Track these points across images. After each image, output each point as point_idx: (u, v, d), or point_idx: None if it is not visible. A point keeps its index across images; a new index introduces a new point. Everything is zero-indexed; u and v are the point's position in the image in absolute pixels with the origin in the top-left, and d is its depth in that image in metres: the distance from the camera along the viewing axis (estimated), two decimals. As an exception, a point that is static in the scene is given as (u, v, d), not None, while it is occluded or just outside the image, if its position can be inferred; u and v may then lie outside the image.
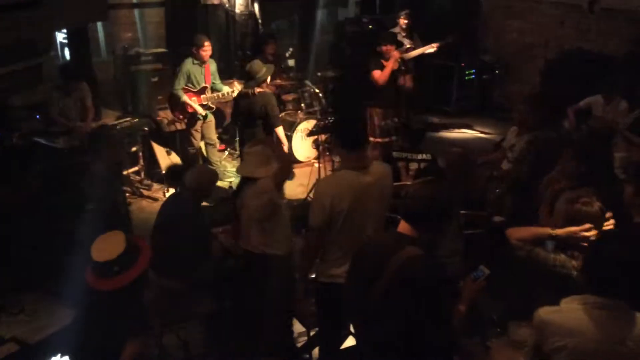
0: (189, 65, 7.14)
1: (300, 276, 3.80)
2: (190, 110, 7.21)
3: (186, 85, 7.16)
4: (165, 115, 7.89)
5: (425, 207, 2.63)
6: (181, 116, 7.29)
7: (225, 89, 7.41)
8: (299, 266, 3.81)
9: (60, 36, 8.22)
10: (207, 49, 7.12)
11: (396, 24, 8.75)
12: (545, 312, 2.62)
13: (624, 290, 2.50)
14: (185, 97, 7.12)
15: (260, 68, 6.27)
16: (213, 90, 7.37)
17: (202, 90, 7.26)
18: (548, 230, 3.29)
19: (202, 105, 7.24)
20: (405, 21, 8.59)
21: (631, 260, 2.47)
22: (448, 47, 8.48)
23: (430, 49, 8.08)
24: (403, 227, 2.70)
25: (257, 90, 6.30)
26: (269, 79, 6.72)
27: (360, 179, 3.43)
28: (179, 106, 7.22)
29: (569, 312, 2.56)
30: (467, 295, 2.75)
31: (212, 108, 7.37)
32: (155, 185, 7.36)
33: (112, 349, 2.96)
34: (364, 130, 3.67)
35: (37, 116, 6.63)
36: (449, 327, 2.56)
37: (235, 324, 4.40)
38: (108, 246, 3.06)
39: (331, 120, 6.93)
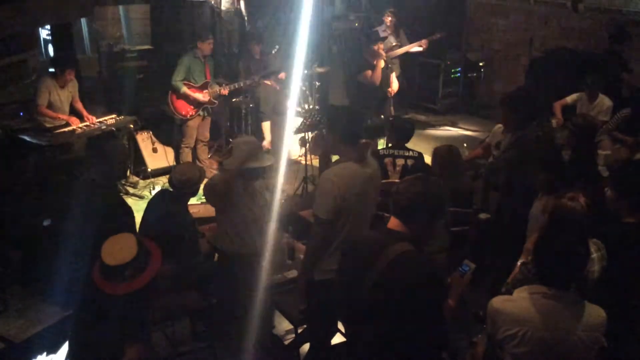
0: (189, 59, 7.11)
1: (304, 274, 3.62)
2: (195, 98, 7.18)
3: (186, 80, 7.12)
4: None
5: (416, 202, 2.63)
6: (189, 108, 7.20)
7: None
8: (304, 262, 3.64)
9: (44, 32, 8.13)
10: (210, 44, 7.16)
11: (382, 22, 8.78)
12: (497, 301, 2.67)
13: (566, 280, 2.57)
14: (185, 89, 7.06)
15: (274, 61, 6.28)
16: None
17: (205, 86, 7.22)
18: (518, 265, 3.35)
19: (207, 101, 7.24)
20: (391, 19, 8.62)
21: (571, 251, 2.53)
22: (435, 45, 8.54)
23: (418, 47, 8.11)
24: (393, 223, 2.70)
25: (264, 82, 6.30)
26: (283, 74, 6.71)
27: (363, 171, 3.47)
28: (183, 99, 7.15)
29: (519, 302, 2.61)
30: (456, 290, 2.78)
31: (215, 103, 7.35)
32: (142, 183, 7.33)
33: (111, 350, 2.92)
34: (361, 123, 3.67)
35: (21, 113, 6.56)
36: (440, 323, 2.58)
37: (221, 320, 4.41)
38: (120, 250, 2.98)
39: (325, 116, 6.94)
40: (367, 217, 3.54)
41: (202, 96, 7.16)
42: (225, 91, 7.31)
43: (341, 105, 7.25)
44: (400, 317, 2.52)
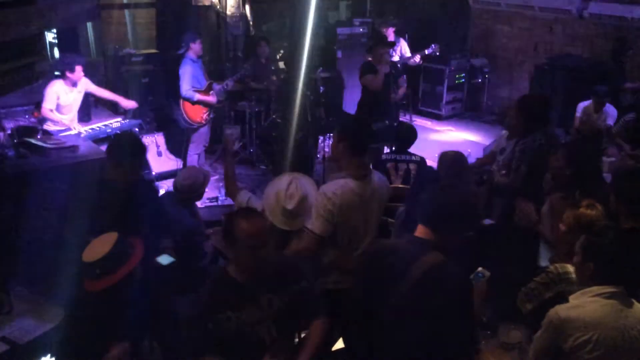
0: (189, 66, 7.12)
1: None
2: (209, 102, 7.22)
3: (193, 87, 7.12)
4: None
5: (445, 211, 2.60)
6: (202, 112, 7.24)
7: None
8: None
9: (50, 36, 8.16)
10: (201, 44, 7.21)
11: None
12: (562, 310, 2.67)
13: (627, 274, 2.63)
14: (198, 96, 7.09)
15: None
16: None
17: (210, 87, 7.26)
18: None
19: (216, 101, 7.30)
20: (391, 29, 8.62)
21: (628, 246, 2.60)
22: (432, 57, 8.57)
23: (413, 62, 8.15)
24: (421, 231, 2.66)
25: None
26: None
27: (364, 189, 3.40)
28: (195, 106, 7.18)
29: (585, 306, 2.63)
30: (475, 298, 2.78)
31: (222, 102, 7.40)
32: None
33: (98, 350, 2.95)
34: (371, 133, 3.60)
35: (26, 116, 6.58)
36: (470, 332, 2.61)
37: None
38: (96, 248, 3.05)
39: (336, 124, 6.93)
40: (367, 233, 3.49)
41: (211, 98, 7.20)
42: (230, 85, 7.35)
43: (351, 113, 7.26)
44: (433, 326, 2.50)
